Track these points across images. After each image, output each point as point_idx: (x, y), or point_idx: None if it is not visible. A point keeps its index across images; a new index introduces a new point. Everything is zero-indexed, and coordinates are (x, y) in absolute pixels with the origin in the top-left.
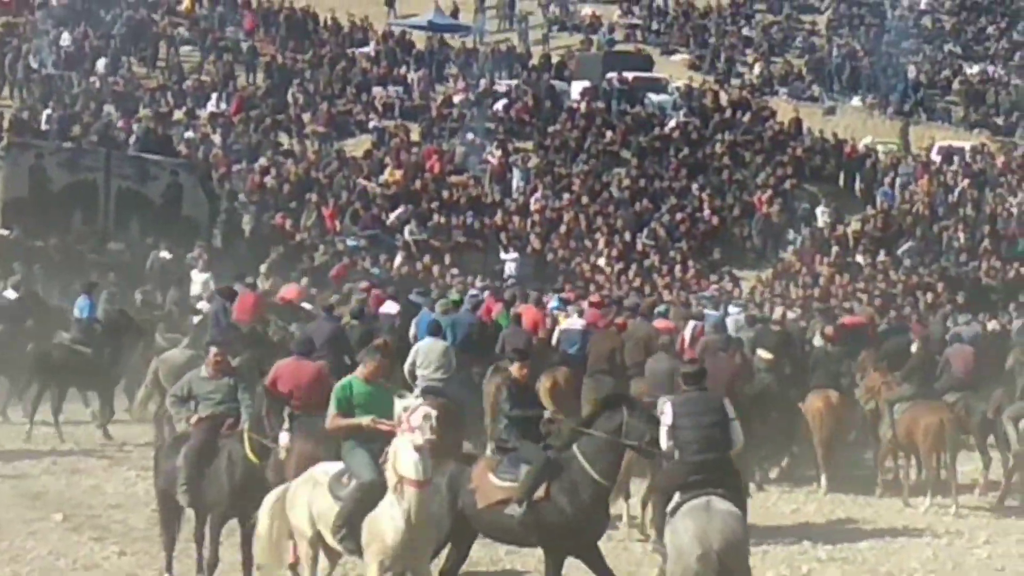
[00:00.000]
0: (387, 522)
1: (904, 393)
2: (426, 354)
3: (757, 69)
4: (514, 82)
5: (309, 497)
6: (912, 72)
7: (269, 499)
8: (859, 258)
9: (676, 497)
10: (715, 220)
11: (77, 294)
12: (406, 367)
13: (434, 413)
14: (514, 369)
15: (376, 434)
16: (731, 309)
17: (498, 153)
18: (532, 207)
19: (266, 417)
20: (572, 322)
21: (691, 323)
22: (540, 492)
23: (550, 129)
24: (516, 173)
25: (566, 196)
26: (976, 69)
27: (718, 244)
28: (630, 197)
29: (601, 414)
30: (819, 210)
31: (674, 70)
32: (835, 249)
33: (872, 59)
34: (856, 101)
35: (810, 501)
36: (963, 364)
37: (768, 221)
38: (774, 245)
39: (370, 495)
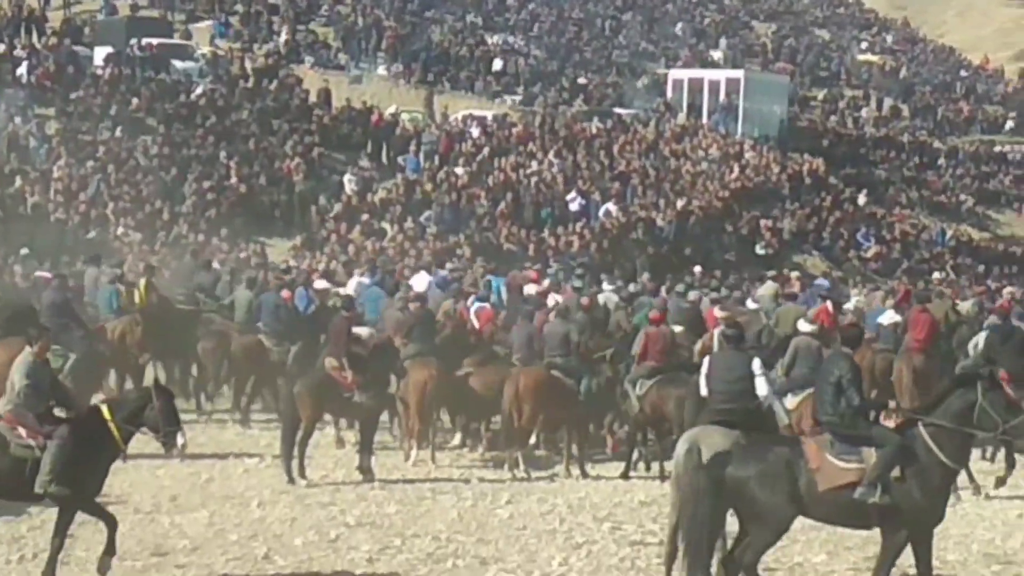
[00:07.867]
0: None
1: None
2: None
3: (284, 36)
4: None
5: None
6: (436, 41)
7: None
8: (386, 225)
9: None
10: (243, 188)
11: None
12: None
13: None
14: (856, 356)
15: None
16: None
17: (18, 120)
18: (54, 175)
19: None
20: None
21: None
22: (895, 474)
23: (73, 95)
24: (34, 141)
25: (90, 164)
26: (497, 39)
27: (246, 212)
28: (157, 165)
29: (953, 392)
30: (347, 178)
31: (200, 37)
32: (364, 217)
33: (397, 28)
34: (382, 70)
35: (339, 468)
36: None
37: (296, 189)
38: (302, 213)
39: None
